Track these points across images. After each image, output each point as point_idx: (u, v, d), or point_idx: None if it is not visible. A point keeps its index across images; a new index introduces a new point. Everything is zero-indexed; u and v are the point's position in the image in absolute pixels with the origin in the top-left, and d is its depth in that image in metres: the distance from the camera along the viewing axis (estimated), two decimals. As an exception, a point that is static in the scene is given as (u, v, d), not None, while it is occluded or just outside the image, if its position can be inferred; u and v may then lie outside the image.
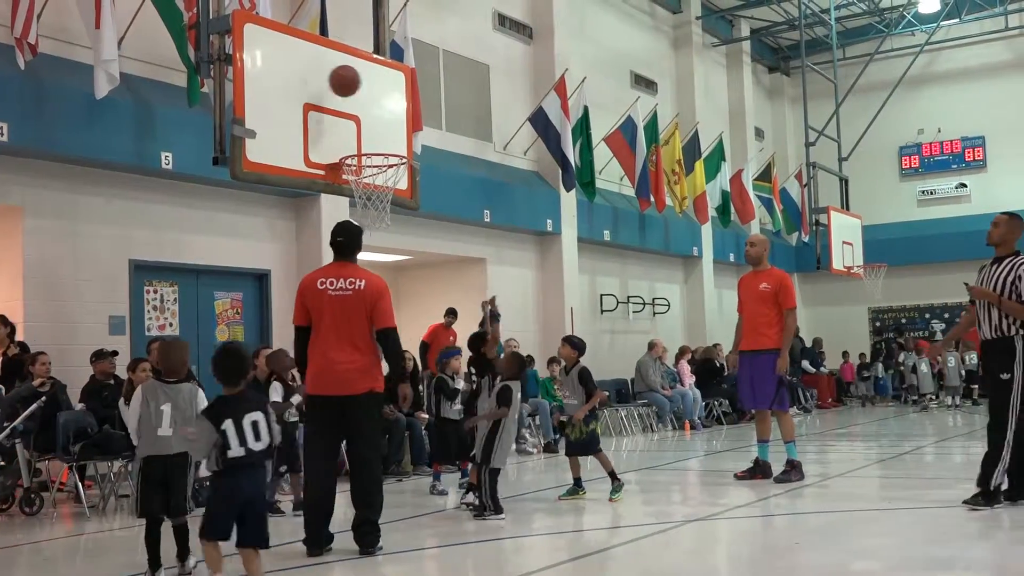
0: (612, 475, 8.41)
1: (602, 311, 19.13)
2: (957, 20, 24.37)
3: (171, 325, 11.62)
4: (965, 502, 7.26)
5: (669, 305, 21.03)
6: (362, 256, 16.26)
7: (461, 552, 6.78)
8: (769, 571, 5.61)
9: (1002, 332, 7.32)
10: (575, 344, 8.83)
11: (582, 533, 7.33)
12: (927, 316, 25.10)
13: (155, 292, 11.54)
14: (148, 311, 11.43)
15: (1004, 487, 7.27)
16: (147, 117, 10.80)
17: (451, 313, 13.94)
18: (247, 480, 4.95)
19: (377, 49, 9.50)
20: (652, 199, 18.32)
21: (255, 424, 4.96)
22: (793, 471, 9.17)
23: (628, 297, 19.97)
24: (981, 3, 24.11)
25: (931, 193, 25.79)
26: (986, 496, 7.19)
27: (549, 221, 17.07)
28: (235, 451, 4.88)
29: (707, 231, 21.38)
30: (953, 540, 6.43)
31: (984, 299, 7.36)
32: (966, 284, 7.68)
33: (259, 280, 12.68)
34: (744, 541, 6.79)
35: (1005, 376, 7.26)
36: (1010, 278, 7.31)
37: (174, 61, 10.42)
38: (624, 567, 6.03)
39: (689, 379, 17.55)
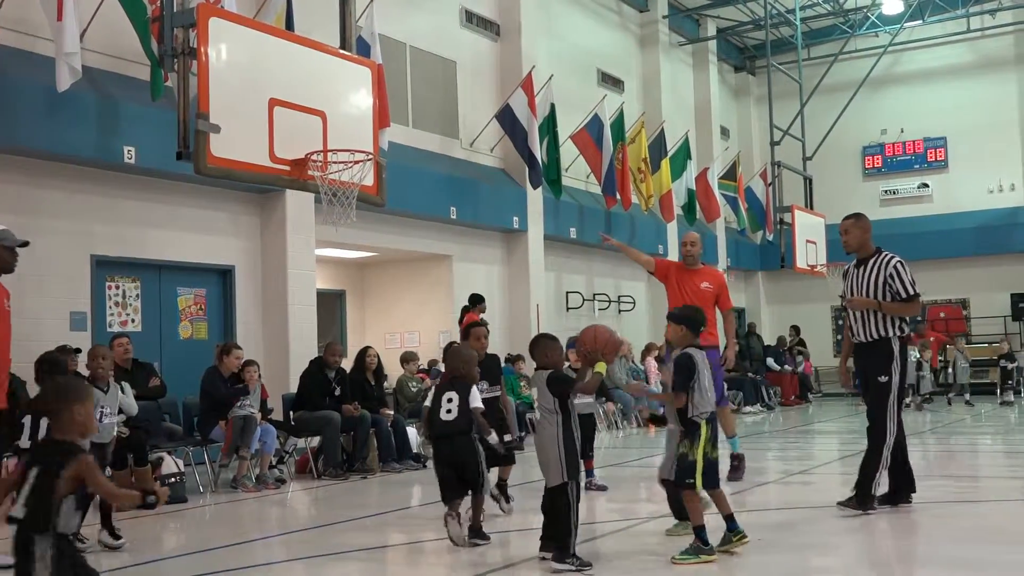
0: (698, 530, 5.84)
1: (568, 308, 19.17)
2: (920, 22, 24.64)
3: (133, 321, 11.50)
4: (839, 503, 7.17)
5: (635, 303, 21.12)
6: (329, 252, 16.34)
7: (417, 550, 6.77)
8: (730, 568, 5.65)
9: (879, 334, 7.28)
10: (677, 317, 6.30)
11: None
12: (889, 314, 25.34)
13: (117, 288, 11.41)
14: (110, 307, 11.30)
15: (883, 491, 7.21)
16: (110, 111, 10.68)
17: (480, 300, 13.95)
18: None
19: (343, 44, 9.47)
20: (618, 197, 18.38)
21: None
22: (742, 464, 9.17)
23: (594, 295, 20.03)
24: (944, 5, 24.40)
25: (894, 193, 26.07)
26: (860, 500, 7.09)
27: (515, 218, 17.08)
28: None
29: (672, 229, 21.47)
30: (912, 537, 6.50)
31: (866, 308, 7.29)
32: (842, 296, 7.57)
33: (223, 276, 12.58)
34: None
35: (883, 379, 7.22)
36: (880, 280, 7.29)
37: (137, 54, 10.30)
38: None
39: (656, 376, 17.62)
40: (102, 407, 6.96)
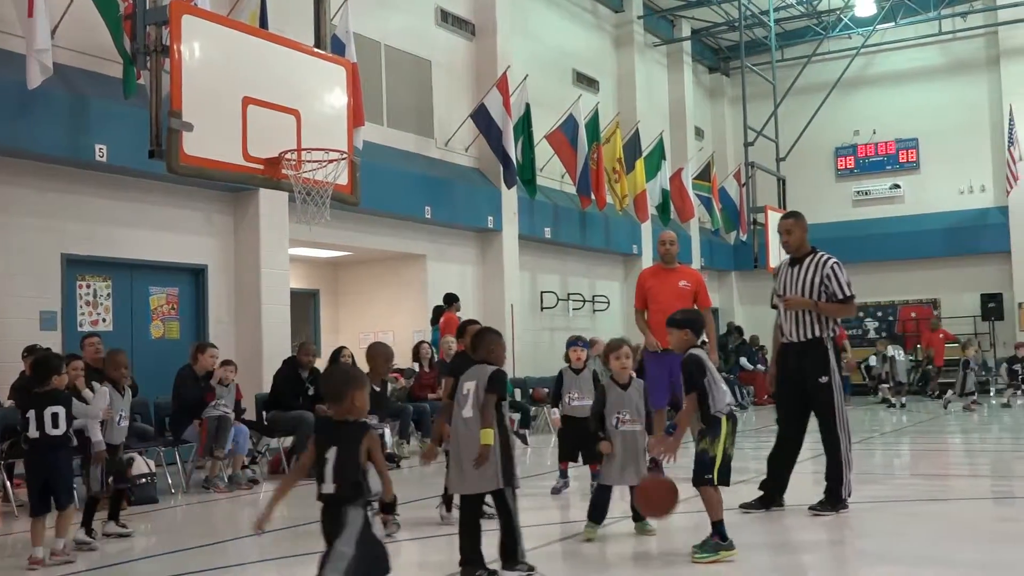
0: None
1: (542, 308, 19.19)
2: (893, 24, 24.83)
3: (104, 320, 11.41)
4: (811, 509, 7.10)
5: (609, 303, 21.16)
6: (302, 251, 16.25)
7: (392, 551, 6.75)
8: (695, 572, 5.68)
9: (814, 335, 7.26)
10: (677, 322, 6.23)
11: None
12: (861, 315, 25.53)
13: (88, 287, 11.32)
14: (80, 306, 11.20)
15: (850, 490, 7.21)
16: (81, 108, 10.58)
17: (455, 299, 14.49)
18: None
19: (318, 43, 9.45)
20: (593, 197, 18.42)
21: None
22: None
23: (568, 294, 20.06)
24: (916, 8, 24.60)
25: (866, 193, 26.26)
26: (832, 502, 7.09)
27: (490, 218, 17.07)
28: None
29: (647, 229, 21.54)
30: (877, 535, 6.55)
31: (801, 308, 7.27)
32: (779, 295, 7.50)
33: (196, 275, 12.50)
34: (673, 538, 6.80)
35: (824, 380, 7.20)
36: (816, 280, 7.26)
37: (110, 52, 10.22)
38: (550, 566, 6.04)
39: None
40: (121, 411, 7.13)
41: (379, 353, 7.14)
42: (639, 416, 6.39)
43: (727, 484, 5.87)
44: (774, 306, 7.67)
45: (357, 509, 4.17)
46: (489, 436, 5.25)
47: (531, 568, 5.34)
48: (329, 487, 4.18)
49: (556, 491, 8.58)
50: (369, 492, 4.20)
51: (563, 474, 8.69)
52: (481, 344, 5.61)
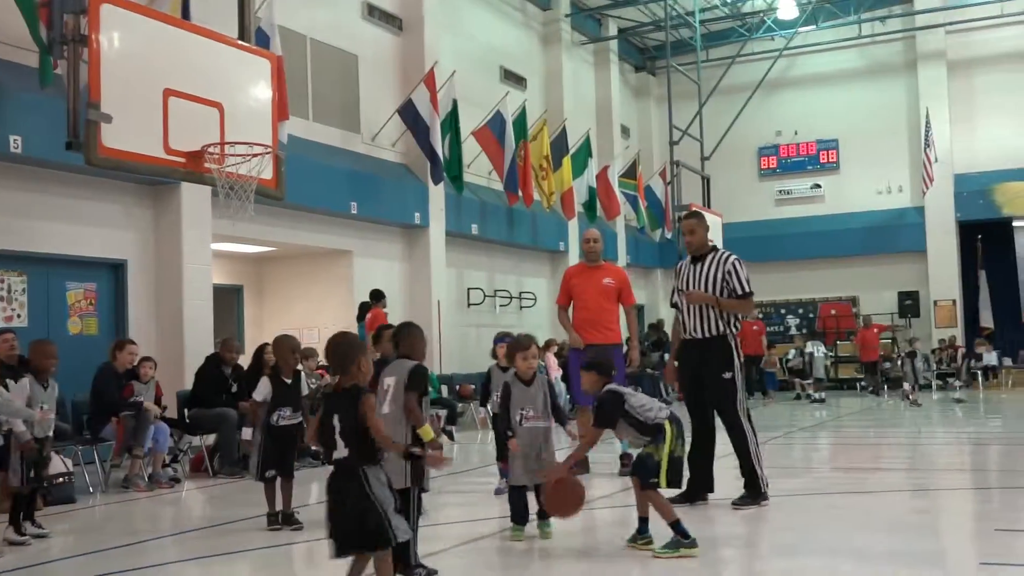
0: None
1: (469, 305, 19.18)
2: (814, 27, 25.35)
3: (19, 316, 11.10)
4: (733, 503, 7.23)
5: (536, 299, 21.24)
6: (226, 247, 15.99)
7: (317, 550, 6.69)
8: (614, 561, 5.73)
9: (716, 331, 7.38)
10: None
11: (452, 525, 7.31)
12: (783, 311, 26.05)
13: (2, 282, 11.00)
14: (-6, 302, 10.89)
15: (767, 482, 7.32)
16: (-6, 98, 10.28)
17: (382, 295, 14.57)
18: None
19: (242, 35, 9.28)
20: (520, 194, 18.47)
21: None
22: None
23: (495, 291, 20.09)
24: (836, 11, 25.13)
25: (788, 193, 26.76)
26: (753, 496, 7.23)
27: (417, 214, 17.02)
28: None
29: (573, 226, 21.67)
30: (795, 528, 6.68)
31: (702, 303, 7.38)
32: (681, 291, 7.59)
33: (115, 270, 12.23)
34: (610, 530, 6.87)
35: (727, 375, 7.31)
36: (719, 276, 7.38)
37: (25, 40, 9.94)
38: (481, 561, 6.06)
39: (556, 372, 17.76)
40: (43, 404, 7.05)
41: (285, 345, 7.17)
42: (543, 413, 6.43)
43: (679, 486, 5.98)
44: (674, 304, 7.75)
45: (374, 468, 4.48)
46: (428, 432, 5.22)
47: (431, 572, 5.23)
48: (342, 452, 4.47)
49: (500, 492, 8.22)
50: (379, 451, 4.51)
51: (503, 474, 8.65)
52: (403, 339, 5.56)
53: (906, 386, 19.25)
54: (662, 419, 5.90)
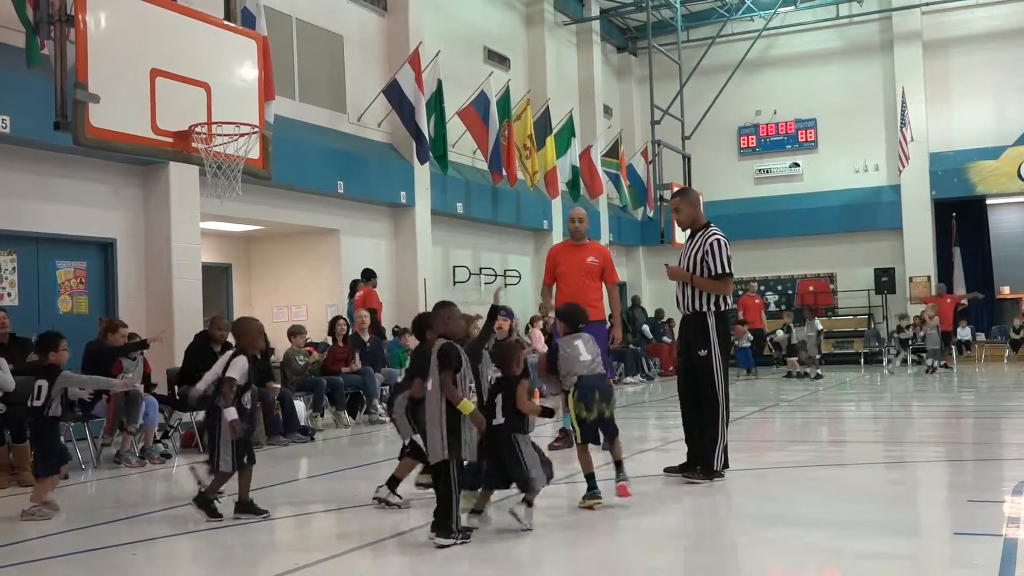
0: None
1: (455, 283, 19.34)
2: (793, 7, 25.51)
3: (10, 295, 11.21)
4: (685, 477, 7.26)
5: (520, 277, 21.42)
6: (214, 226, 16.04)
7: (304, 522, 6.85)
8: (595, 534, 5.91)
9: (696, 308, 7.33)
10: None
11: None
12: (762, 288, 26.30)
13: (-8, 261, 11.10)
14: (-16, 281, 10.99)
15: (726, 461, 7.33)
16: (-18, 78, 10.35)
17: (373, 274, 15.00)
18: None
19: (228, 16, 9.38)
20: (504, 173, 18.60)
21: None
22: (568, 438, 9.01)
23: (480, 269, 20.25)
24: (816, -9, 25.32)
25: (767, 172, 26.98)
26: (705, 472, 7.22)
27: (403, 193, 17.14)
28: None
29: (557, 205, 21.83)
30: (775, 499, 6.85)
31: (678, 279, 7.43)
32: (667, 265, 7.69)
33: (104, 249, 12.33)
34: (573, 507, 6.93)
35: (703, 353, 7.24)
36: (699, 255, 7.32)
37: (12, 20, 10.00)
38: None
39: (542, 346, 17.94)
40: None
41: (254, 328, 6.89)
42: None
43: (596, 442, 6.53)
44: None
45: (524, 437, 5.78)
46: (468, 406, 5.47)
47: (466, 537, 5.48)
48: (500, 419, 5.74)
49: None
50: (529, 423, 5.81)
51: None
52: (435, 322, 5.80)
53: (930, 361, 20.12)
54: (567, 387, 6.52)
